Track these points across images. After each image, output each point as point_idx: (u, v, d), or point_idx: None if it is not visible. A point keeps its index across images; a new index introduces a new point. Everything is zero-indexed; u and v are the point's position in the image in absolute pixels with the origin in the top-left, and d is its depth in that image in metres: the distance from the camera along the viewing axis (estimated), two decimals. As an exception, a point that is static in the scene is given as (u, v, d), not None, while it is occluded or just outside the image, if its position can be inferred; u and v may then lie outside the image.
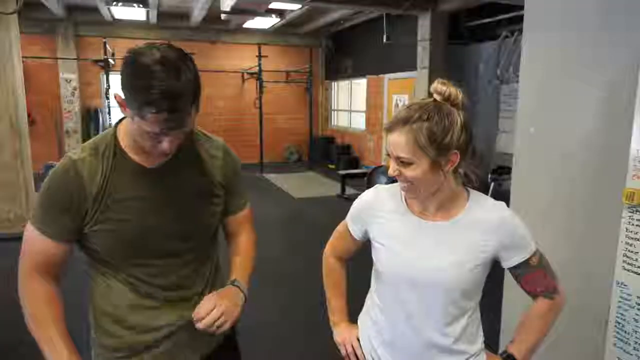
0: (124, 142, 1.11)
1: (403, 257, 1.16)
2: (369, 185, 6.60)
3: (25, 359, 2.76)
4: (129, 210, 1.09)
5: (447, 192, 1.13)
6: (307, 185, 8.43)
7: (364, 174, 7.14)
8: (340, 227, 1.37)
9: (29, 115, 5.72)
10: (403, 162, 1.06)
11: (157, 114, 0.93)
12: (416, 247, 1.15)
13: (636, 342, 1.67)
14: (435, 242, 1.14)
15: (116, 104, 1.02)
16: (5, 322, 2.98)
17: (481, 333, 1.23)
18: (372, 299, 1.30)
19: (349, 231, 1.31)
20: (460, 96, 1.07)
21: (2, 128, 4.96)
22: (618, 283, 1.70)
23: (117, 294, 1.16)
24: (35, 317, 1.09)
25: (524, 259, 1.13)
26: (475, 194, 1.17)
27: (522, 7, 2.13)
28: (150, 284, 1.15)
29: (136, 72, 0.94)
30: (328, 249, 1.41)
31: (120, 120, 1.14)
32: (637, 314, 1.66)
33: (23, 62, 5.32)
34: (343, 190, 7.33)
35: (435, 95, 1.07)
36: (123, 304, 1.16)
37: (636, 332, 1.67)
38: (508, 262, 1.15)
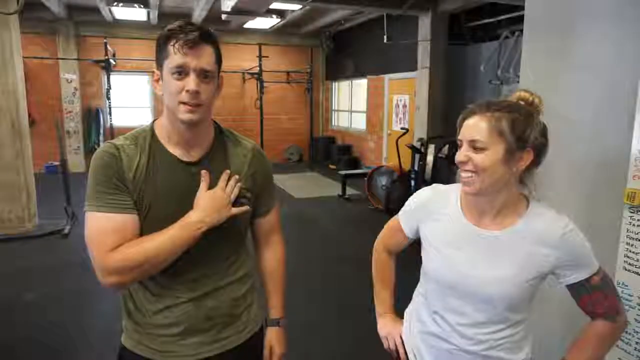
0: (160, 134, 1.17)
1: (450, 263, 1.14)
2: (370, 185, 6.63)
3: (21, 359, 2.79)
4: (158, 198, 1.12)
5: (507, 196, 1.08)
6: (308, 186, 8.42)
7: (364, 175, 7.12)
8: (391, 222, 1.36)
9: (29, 115, 5.72)
10: (476, 148, 1.03)
11: (176, 42, 1.06)
12: (465, 255, 1.12)
13: (637, 343, 1.67)
14: (485, 253, 1.10)
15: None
16: (4, 322, 2.95)
17: (529, 344, 1.18)
18: (419, 297, 1.29)
19: (401, 227, 1.30)
20: (542, 106, 1.08)
21: (3, 128, 4.96)
22: (619, 283, 1.70)
23: (139, 287, 1.18)
24: None
25: (584, 278, 1.08)
26: (535, 204, 1.11)
27: (522, 8, 2.13)
28: (172, 275, 1.16)
29: (163, 33, 1.09)
30: (379, 243, 1.42)
31: (155, 119, 1.23)
32: (638, 315, 1.66)
33: (24, 62, 5.33)
34: (344, 190, 7.32)
35: (519, 102, 1.09)
36: (143, 296, 1.18)
37: (637, 332, 1.66)
38: (566, 279, 1.09)
